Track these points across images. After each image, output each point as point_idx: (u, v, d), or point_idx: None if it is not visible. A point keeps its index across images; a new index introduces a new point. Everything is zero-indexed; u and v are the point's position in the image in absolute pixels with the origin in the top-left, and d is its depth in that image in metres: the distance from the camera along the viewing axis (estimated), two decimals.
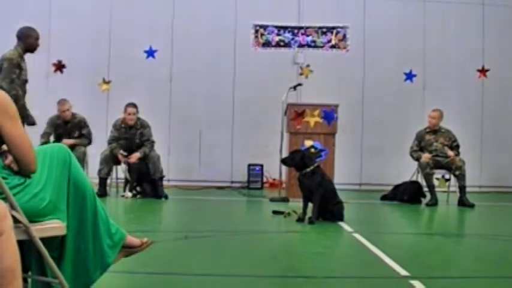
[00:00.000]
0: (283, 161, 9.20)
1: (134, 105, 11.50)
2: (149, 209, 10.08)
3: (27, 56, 9.01)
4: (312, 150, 11.15)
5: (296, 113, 11.41)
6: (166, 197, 11.17)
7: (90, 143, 11.68)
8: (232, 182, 14.38)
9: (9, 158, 3.41)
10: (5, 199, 3.14)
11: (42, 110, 12.46)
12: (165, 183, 11.72)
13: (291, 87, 12.00)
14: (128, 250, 4.02)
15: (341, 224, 8.27)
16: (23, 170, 3.42)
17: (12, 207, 3.15)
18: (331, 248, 7.04)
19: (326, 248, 6.85)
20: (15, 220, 3.14)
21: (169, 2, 14.42)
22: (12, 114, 3.34)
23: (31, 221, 3.30)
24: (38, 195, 3.41)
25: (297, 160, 8.68)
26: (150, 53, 14.30)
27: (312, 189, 8.42)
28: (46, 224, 3.41)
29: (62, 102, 11.62)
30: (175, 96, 14.43)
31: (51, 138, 11.58)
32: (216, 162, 14.47)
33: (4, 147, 3.40)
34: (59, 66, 14.15)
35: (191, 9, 14.44)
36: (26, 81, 8.87)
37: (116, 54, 14.23)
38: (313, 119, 11.38)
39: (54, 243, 3.56)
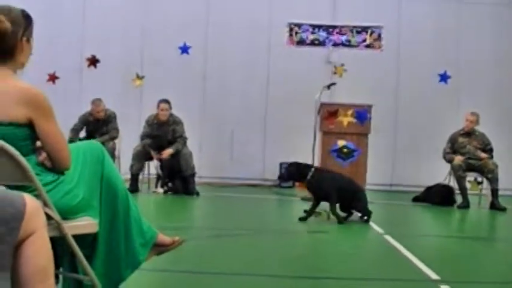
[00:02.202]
0: (281, 177, 9.18)
1: (167, 101, 11.52)
2: (180, 206, 10.13)
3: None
4: (345, 150, 11.11)
5: (329, 112, 11.35)
6: (197, 193, 11.22)
7: (113, 138, 11.75)
8: (264, 180, 14.38)
9: (43, 154, 3.40)
10: (38, 196, 3.15)
11: (76, 105, 12.60)
12: (196, 180, 11.74)
13: (325, 86, 11.93)
14: (159, 248, 4.01)
15: (372, 225, 8.24)
16: (57, 167, 3.41)
17: (45, 204, 3.16)
18: (361, 249, 7.02)
19: (356, 250, 6.84)
20: (48, 217, 3.14)
21: None
22: (47, 111, 3.33)
23: (63, 218, 3.29)
24: (71, 192, 3.40)
25: (293, 172, 8.71)
26: (184, 49, 14.33)
27: (321, 197, 8.41)
28: (78, 221, 3.41)
29: (96, 102, 11.71)
30: (209, 93, 14.46)
31: (82, 134, 11.69)
32: (248, 160, 14.46)
33: (38, 143, 3.40)
34: (93, 61, 14.21)
35: (226, 6, 14.44)
36: None
37: (149, 49, 14.29)
38: (346, 119, 11.32)
39: (86, 241, 3.55)
